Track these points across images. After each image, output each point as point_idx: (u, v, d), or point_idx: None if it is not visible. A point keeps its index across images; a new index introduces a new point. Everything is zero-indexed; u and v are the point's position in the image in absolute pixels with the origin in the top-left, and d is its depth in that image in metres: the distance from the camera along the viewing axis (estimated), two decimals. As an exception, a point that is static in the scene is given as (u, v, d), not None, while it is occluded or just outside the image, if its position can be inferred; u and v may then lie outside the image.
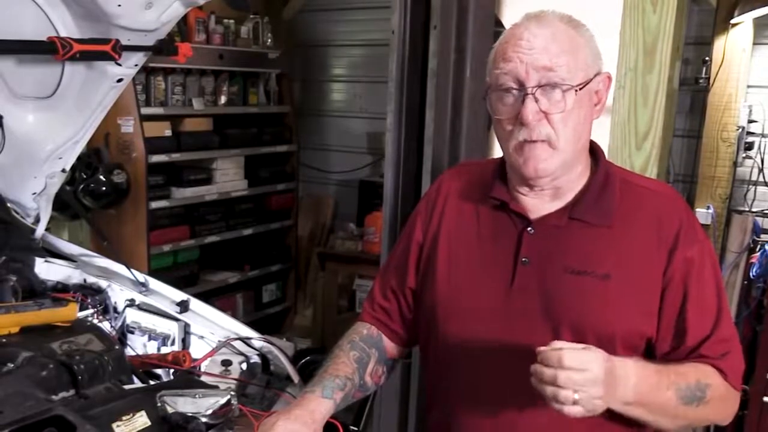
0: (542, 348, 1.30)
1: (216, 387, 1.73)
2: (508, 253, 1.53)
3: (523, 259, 1.51)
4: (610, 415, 1.38)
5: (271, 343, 1.95)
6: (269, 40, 5.15)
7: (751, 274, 3.64)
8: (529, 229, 1.53)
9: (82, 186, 3.81)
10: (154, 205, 4.33)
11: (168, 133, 4.44)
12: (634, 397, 1.37)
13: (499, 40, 1.50)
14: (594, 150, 1.57)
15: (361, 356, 1.64)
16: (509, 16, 2.25)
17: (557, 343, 1.30)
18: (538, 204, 1.53)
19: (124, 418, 1.46)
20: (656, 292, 1.47)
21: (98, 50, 2.06)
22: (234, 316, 2.18)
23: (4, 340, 1.74)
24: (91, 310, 2.13)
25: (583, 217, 1.50)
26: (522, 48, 1.43)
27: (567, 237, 1.50)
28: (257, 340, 1.98)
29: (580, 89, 1.43)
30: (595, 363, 1.28)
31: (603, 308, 1.46)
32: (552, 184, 1.51)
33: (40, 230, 2.43)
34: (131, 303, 2.18)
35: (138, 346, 2.12)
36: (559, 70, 1.41)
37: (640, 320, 1.48)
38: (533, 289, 1.50)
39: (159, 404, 1.51)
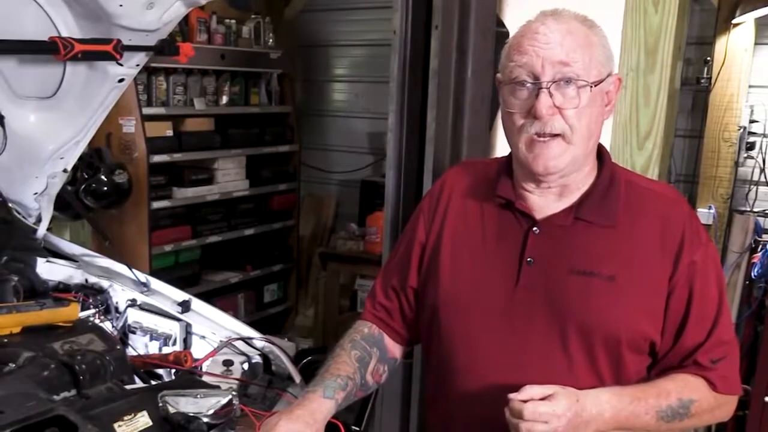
0: (511, 396, 1.34)
1: (217, 387, 1.73)
2: (513, 253, 1.53)
3: (528, 259, 1.51)
4: None
5: (273, 343, 1.95)
6: (271, 40, 5.15)
7: (752, 274, 3.64)
8: (534, 228, 1.52)
9: (83, 186, 3.80)
10: (156, 205, 4.32)
11: (169, 133, 4.43)
12: (609, 427, 1.41)
13: (514, 35, 1.50)
14: (600, 151, 1.57)
15: (363, 355, 1.64)
16: (511, 16, 2.25)
17: (525, 391, 1.34)
18: (543, 203, 1.53)
19: (125, 418, 1.47)
20: (661, 296, 1.48)
21: (100, 50, 2.06)
22: (235, 316, 2.18)
23: (5, 340, 1.74)
24: (92, 310, 2.13)
25: (588, 217, 1.50)
26: (538, 41, 1.42)
27: (572, 237, 1.50)
28: (259, 340, 1.98)
29: (595, 86, 1.43)
30: (556, 414, 1.33)
31: (609, 309, 1.46)
32: (560, 181, 1.50)
33: (41, 230, 2.43)
34: (133, 303, 2.18)
35: (139, 346, 2.12)
36: (574, 65, 1.41)
37: (644, 323, 1.48)
38: (538, 289, 1.50)
39: (160, 404, 1.51)
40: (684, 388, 1.47)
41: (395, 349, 1.74)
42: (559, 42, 1.41)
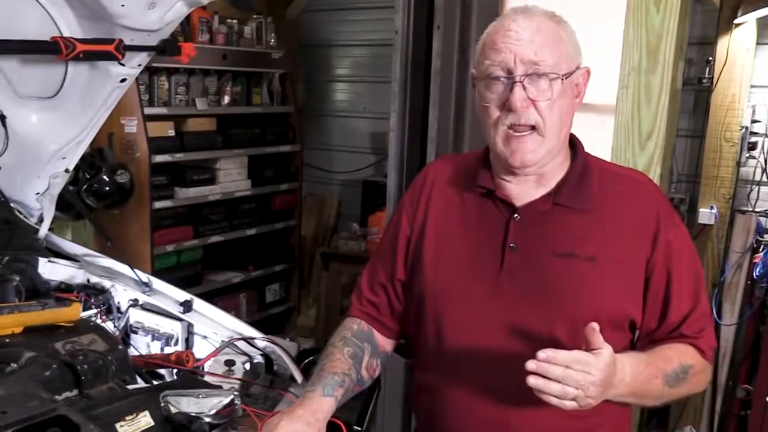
0: (549, 351, 1.33)
1: (219, 387, 1.73)
2: (495, 240, 1.57)
3: (511, 245, 1.56)
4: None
5: (275, 343, 1.95)
6: (273, 40, 5.15)
7: (754, 274, 3.63)
8: (515, 216, 1.57)
9: (85, 186, 3.81)
10: (158, 205, 4.33)
11: (171, 133, 4.44)
12: (627, 391, 1.44)
13: (486, 31, 1.56)
14: (573, 142, 1.63)
15: (355, 351, 1.66)
16: (512, 16, 2.25)
17: (567, 353, 1.33)
18: (522, 191, 1.58)
19: (127, 418, 1.47)
20: (640, 276, 1.54)
21: (101, 50, 2.06)
22: (237, 316, 2.18)
23: (7, 340, 1.74)
24: (94, 310, 2.13)
25: (566, 202, 1.56)
26: (511, 39, 1.48)
27: (552, 222, 1.56)
28: (260, 340, 1.98)
29: (566, 78, 1.49)
30: (597, 368, 1.33)
31: (589, 289, 1.52)
32: (537, 171, 1.56)
33: (43, 230, 2.43)
34: (134, 303, 2.18)
35: (141, 346, 2.12)
36: (543, 64, 1.47)
37: (625, 301, 1.54)
38: (522, 273, 1.54)
39: (162, 404, 1.51)
40: (682, 354, 1.54)
41: (385, 343, 1.76)
42: (529, 39, 1.47)
